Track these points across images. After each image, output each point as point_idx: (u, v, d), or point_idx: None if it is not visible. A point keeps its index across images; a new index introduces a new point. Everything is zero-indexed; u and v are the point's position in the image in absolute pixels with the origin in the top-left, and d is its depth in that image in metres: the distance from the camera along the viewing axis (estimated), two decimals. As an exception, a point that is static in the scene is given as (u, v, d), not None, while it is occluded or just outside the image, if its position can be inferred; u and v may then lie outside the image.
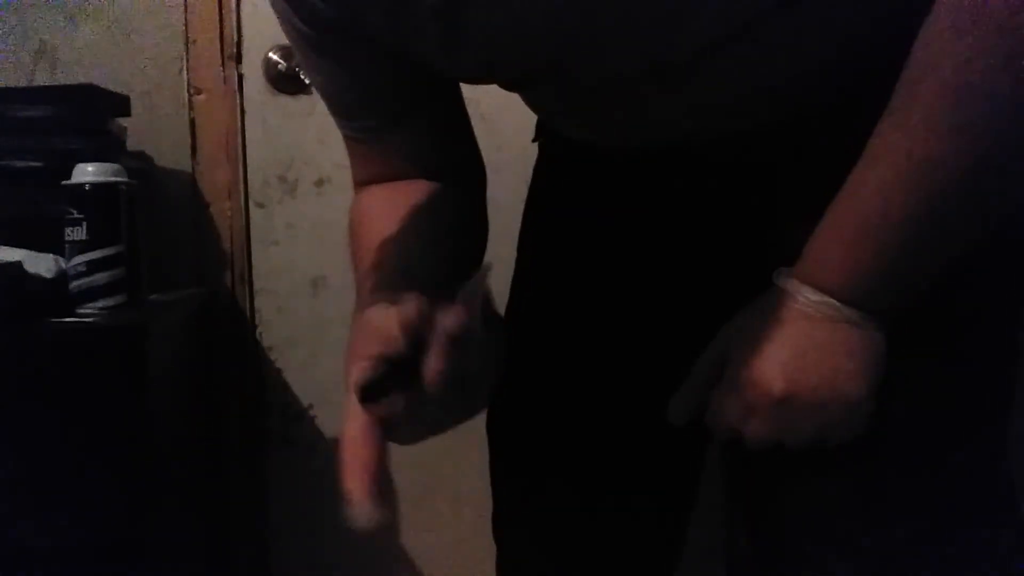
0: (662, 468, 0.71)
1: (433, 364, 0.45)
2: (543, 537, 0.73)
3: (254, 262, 1.32)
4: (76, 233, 0.91)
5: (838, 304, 0.50)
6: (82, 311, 0.91)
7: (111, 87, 1.15)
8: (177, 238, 1.29)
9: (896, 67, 0.48)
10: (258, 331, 1.33)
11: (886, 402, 0.52)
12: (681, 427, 0.60)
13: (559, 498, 0.71)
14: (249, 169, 1.30)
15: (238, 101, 1.28)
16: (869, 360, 0.51)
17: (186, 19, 1.28)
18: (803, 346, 0.51)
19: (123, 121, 1.17)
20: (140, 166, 1.14)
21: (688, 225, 0.65)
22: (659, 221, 0.67)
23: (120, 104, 1.16)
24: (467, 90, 1.33)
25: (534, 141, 0.77)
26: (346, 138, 0.69)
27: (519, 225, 0.78)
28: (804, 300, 0.51)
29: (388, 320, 0.46)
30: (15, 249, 0.94)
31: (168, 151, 1.29)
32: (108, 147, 1.08)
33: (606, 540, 0.71)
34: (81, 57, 1.29)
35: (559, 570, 0.72)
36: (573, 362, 0.70)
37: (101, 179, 0.92)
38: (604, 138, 0.66)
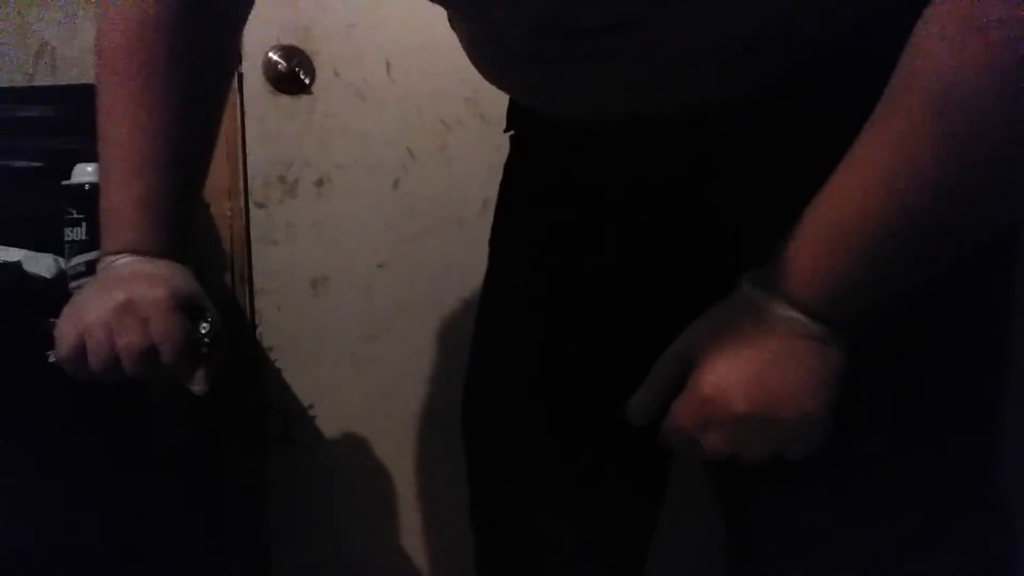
0: (630, 459, 0.71)
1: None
2: (514, 533, 0.74)
3: (254, 262, 1.32)
4: (76, 233, 0.92)
5: (806, 320, 0.50)
6: (82, 311, 0.91)
7: (111, 87, 1.15)
8: (177, 238, 1.29)
9: (865, 49, 0.47)
10: (258, 331, 1.33)
11: (859, 412, 0.52)
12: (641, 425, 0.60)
13: (527, 493, 0.72)
14: (249, 169, 1.30)
15: (238, 101, 1.28)
16: (830, 377, 0.51)
17: (186, 19, 1.28)
18: (767, 362, 0.51)
19: (123, 121, 1.17)
20: (140, 166, 1.14)
21: (655, 215, 0.64)
22: (624, 211, 0.66)
23: (120, 104, 1.16)
24: (467, 90, 1.33)
25: (506, 131, 0.77)
26: None
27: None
28: (772, 315, 0.51)
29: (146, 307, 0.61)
30: (15, 249, 0.94)
31: (168, 151, 1.29)
32: (108, 147, 1.08)
33: (574, 534, 0.72)
34: (81, 57, 1.29)
35: (531, 564, 0.73)
36: (540, 360, 0.70)
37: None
38: (546, 103, 0.66)
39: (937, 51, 0.43)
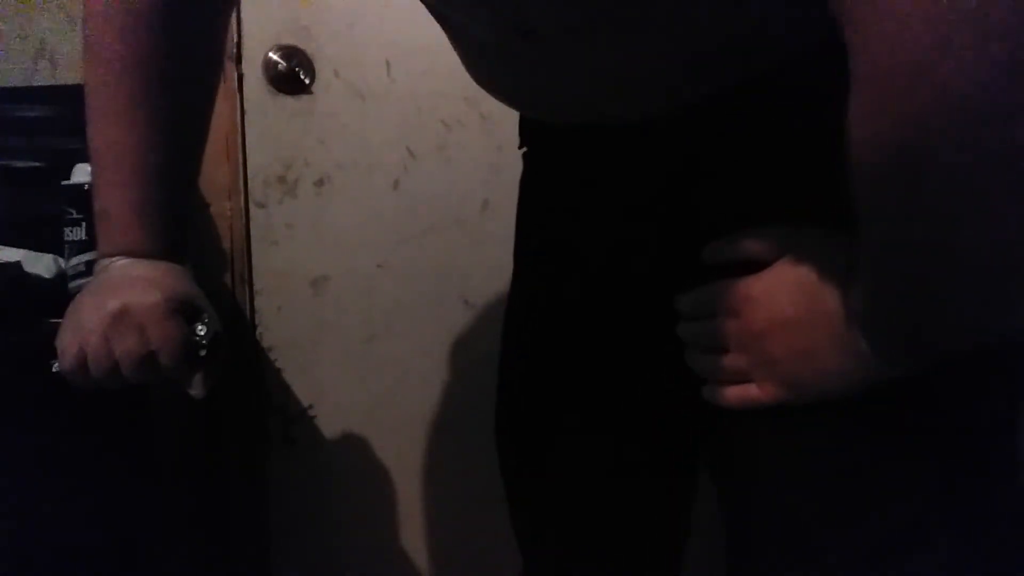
0: (661, 457, 0.71)
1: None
2: (557, 532, 0.74)
3: (254, 262, 1.32)
4: (76, 233, 0.92)
5: (872, 355, 0.50)
6: (82, 311, 0.91)
7: (111, 87, 1.15)
8: (177, 238, 1.29)
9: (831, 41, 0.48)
10: (258, 331, 1.33)
11: (860, 411, 0.52)
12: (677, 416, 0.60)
13: (568, 494, 0.72)
14: (249, 169, 1.30)
15: (238, 101, 1.28)
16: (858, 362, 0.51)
17: (186, 19, 1.27)
18: (817, 314, 0.52)
19: (123, 121, 1.17)
20: (140, 166, 1.14)
21: (661, 214, 0.64)
22: (632, 214, 0.66)
23: (120, 104, 1.16)
24: (467, 90, 1.33)
25: (520, 148, 0.77)
26: None
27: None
28: (851, 338, 0.50)
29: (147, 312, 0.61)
30: (15, 249, 0.94)
31: (168, 151, 1.29)
32: (108, 147, 1.08)
33: (615, 531, 0.72)
34: (81, 57, 1.28)
35: (577, 559, 0.74)
36: (569, 363, 0.70)
37: (101, 179, 0.92)
38: (527, 107, 0.67)
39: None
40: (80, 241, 0.91)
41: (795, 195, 0.56)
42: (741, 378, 0.56)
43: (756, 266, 0.56)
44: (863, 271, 0.48)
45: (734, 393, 0.57)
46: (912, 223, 0.42)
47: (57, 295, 0.91)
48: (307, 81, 1.28)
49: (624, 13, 0.50)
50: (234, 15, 1.28)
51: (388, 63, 1.27)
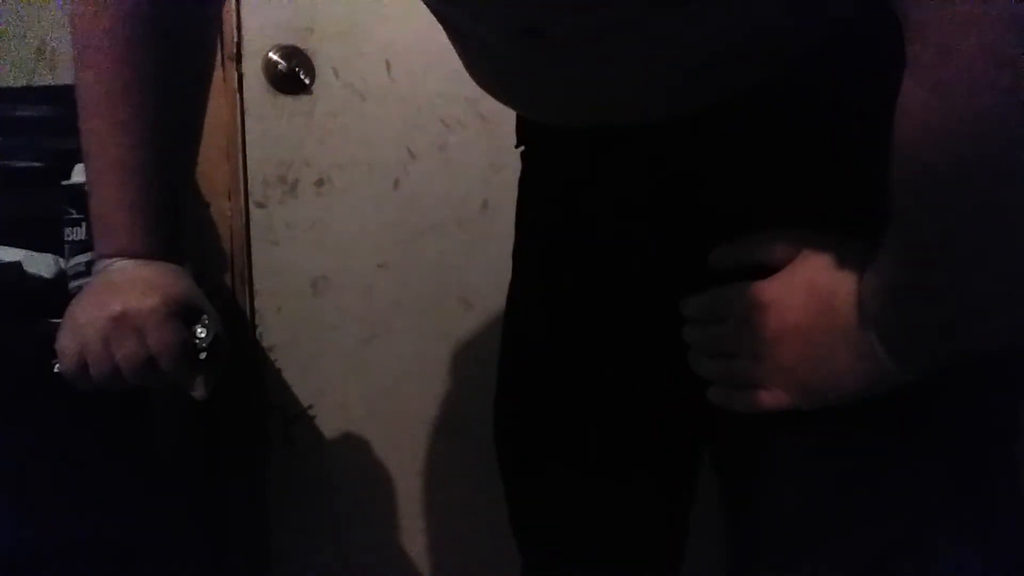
0: (661, 458, 0.71)
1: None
2: (557, 532, 0.74)
3: (254, 262, 1.32)
4: (76, 233, 0.92)
5: (888, 358, 0.49)
6: (82, 311, 0.91)
7: (111, 87, 1.15)
8: (177, 238, 1.29)
9: (855, 42, 0.47)
10: (258, 331, 1.33)
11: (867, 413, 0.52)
12: (680, 420, 0.60)
13: (568, 494, 0.72)
14: (249, 169, 1.30)
15: (238, 101, 1.28)
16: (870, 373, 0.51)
17: (186, 19, 1.27)
18: (825, 324, 0.51)
19: (123, 121, 1.17)
20: (140, 166, 1.14)
21: (662, 216, 0.64)
22: (633, 214, 0.66)
23: (120, 104, 1.16)
24: (467, 90, 1.33)
25: (517, 147, 0.77)
26: None
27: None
28: (865, 343, 0.50)
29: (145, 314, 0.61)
30: (15, 249, 0.94)
31: (168, 151, 1.29)
32: (108, 147, 1.08)
33: (615, 530, 0.72)
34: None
35: (576, 559, 0.74)
36: (569, 363, 0.70)
37: (101, 179, 0.92)
38: (531, 110, 0.66)
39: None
40: (80, 241, 0.91)
41: (801, 198, 0.55)
42: (750, 383, 0.56)
43: (765, 269, 0.55)
44: (887, 273, 0.47)
45: (744, 399, 0.56)
46: (959, 223, 0.41)
47: (57, 295, 0.91)
48: (307, 81, 1.28)
49: (634, 16, 0.49)
50: (234, 15, 1.28)
51: (388, 63, 1.27)
